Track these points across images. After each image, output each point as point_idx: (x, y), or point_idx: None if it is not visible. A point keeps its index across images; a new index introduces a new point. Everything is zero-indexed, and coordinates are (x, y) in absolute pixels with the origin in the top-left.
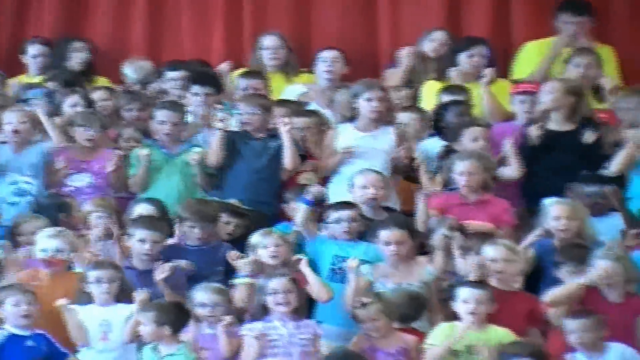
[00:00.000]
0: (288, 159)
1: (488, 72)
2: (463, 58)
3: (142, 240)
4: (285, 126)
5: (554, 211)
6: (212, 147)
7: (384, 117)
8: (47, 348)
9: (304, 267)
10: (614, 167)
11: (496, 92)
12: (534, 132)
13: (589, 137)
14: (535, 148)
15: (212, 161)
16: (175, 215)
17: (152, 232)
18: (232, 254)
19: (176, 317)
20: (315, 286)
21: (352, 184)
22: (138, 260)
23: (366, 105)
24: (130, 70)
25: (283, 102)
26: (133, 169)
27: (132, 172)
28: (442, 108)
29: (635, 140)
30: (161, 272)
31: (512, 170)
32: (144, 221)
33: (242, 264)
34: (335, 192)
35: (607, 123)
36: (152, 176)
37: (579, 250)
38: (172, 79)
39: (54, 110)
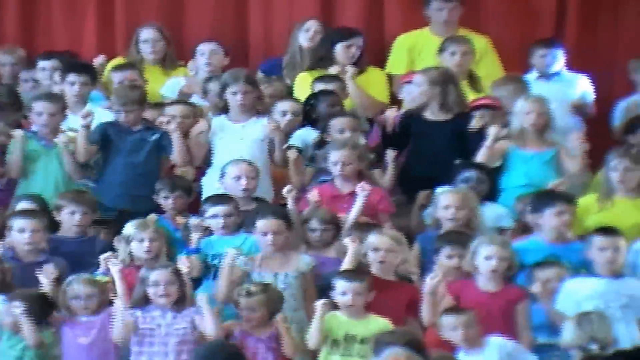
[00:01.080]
0: (177, 154)
1: (349, 67)
2: (339, 49)
3: (21, 230)
4: (170, 124)
5: (444, 200)
6: (78, 144)
7: (252, 108)
8: None
9: (203, 304)
10: (478, 158)
11: (369, 82)
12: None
13: (476, 123)
14: (410, 137)
15: (81, 158)
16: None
17: (30, 220)
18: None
19: (41, 307)
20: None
21: (223, 174)
22: (22, 252)
23: (232, 97)
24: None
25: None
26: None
27: (7, 157)
28: (313, 98)
29: (495, 136)
30: (49, 274)
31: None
32: (22, 212)
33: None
34: (209, 183)
35: (494, 108)
36: (31, 167)
37: (458, 235)
38: (43, 69)
39: None
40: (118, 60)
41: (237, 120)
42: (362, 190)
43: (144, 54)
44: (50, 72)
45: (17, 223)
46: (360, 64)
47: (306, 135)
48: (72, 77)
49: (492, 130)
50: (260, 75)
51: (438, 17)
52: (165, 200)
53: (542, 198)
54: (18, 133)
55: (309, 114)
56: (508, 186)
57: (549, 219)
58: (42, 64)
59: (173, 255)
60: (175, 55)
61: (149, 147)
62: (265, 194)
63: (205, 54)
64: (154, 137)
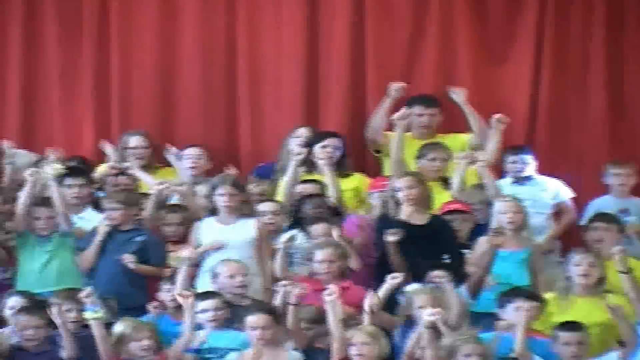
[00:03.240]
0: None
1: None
2: (317, 149)
3: (24, 328)
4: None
5: (418, 300)
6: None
7: (238, 210)
8: None
9: None
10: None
11: (346, 187)
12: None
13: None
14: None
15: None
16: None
17: (34, 318)
18: None
19: None
20: None
21: (217, 275)
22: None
23: (219, 199)
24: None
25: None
26: None
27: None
28: (299, 201)
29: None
30: None
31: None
32: (26, 308)
33: None
34: (203, 284)
35: (463, 212)
36: (28, 264)
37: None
38: None
39: None
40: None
41: (226, 222)
42: (329, 295)
43: (129, 159)
44: None
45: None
46: (342, 167)
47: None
48: (69, 180)
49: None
50: (253, 177)
51: (418, 121)
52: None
53: (506, 294)
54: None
55: (296, 215)
56: None
57: (510, 314)
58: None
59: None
60: (155, 160)
61: (134, 246)
62: (256, 293)
63: (192, 157)
64: (138, 239)
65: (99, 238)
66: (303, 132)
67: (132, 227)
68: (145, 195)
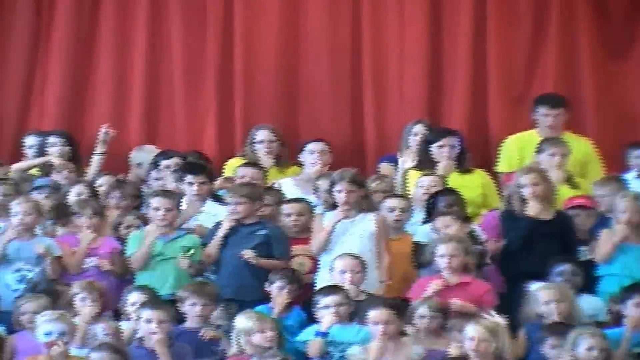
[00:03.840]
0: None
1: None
2: (434, 149)
3: (148, 321)
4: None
5: (543, 296)
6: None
7: (358, 205)
8: None
9: None
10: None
11: (469, 183)
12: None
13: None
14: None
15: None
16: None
17: (157, 312)
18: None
19: None
20: None
21: (332, 269)
22: (148, 340)
23: (338, 195)
24: (139, 156)
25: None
26: (132, 248)
27: (131, 252)
28: (433, 196)
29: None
30: None
31: None
32: (150, 302)
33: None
34: (323, 276)
35: (588, 208)
36: (148, 261)
37: (561, 326)
38: (166, 167)
39: (60, 200)
40: (238, 159)
41: (345, 216)
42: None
43: (258, 153)
44: (172, 171)
45: (145, 314)
46: (463, 164)
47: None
48: (189, 177)
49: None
50: (384, 165)
51: (544, 121)
52: (280, 290)
53: (628, 289)
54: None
55: (429, 211)
56: (605, 273)
57: (630, 309)
58: (164, 162)
59: (283, 344)
60: (288, 155)
61: (257, 240)
62: (373, 287)
63: (314, 152)
64: (262, 232)
65: (222, 232)
66: (419, 129)
67: (255, 220)
68: (269, 189)
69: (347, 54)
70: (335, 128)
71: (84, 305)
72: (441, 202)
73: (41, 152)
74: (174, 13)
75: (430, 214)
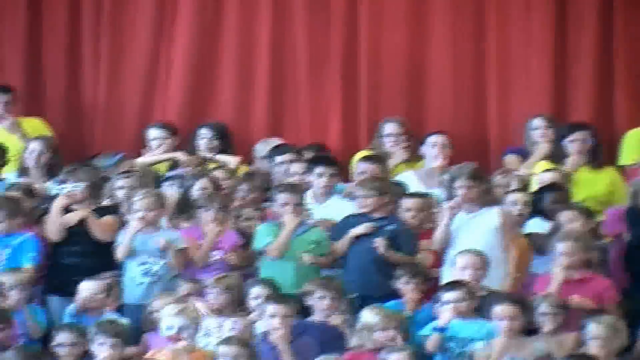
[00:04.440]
0: None
1: None
2: (567, 143)
3: (272, 316)
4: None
5: None
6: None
7: (477, 200)
8: None
9: None
10: None
11: (598, 179)
12: None
13: None
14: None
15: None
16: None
17: (281, 307)
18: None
19: None
20: None
21: (454, 264)
22: (273, 335)
23: (458, 191)
24: (265, 149)
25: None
26: (263, 240)
27: (262, 244)
28: (540, 191)
29: None
30: None
31: None
32: (274, 296)
33: None
34: (447, 271)
35: None
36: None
37: None
38: (282, 162)
39: (185, 193)
40: (364, 152)
41: (467, 212)
42: None
43: (386, 146)
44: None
45: (270, 309)
46: (596, 159)
47: (537, 225)
48: (320, 169)
49: None
50: (509, 157)
51: None
52: (406, 285)
53: None
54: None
55: (537, 206)
56: None
57: None
58: (283, 157)
59: (409, 338)
60: (416, 148)
61: (384, 235)
62: (498, 282)
63: (437, 145)
64: (389, 227)
65: (358, 231)
66: (539, 123)
67: (384, 215)
68: (398, 184)
69: (471, 44)
70: (458, 120)
71: (216, 300)
72: (547, 198)
73: (166, 144)
74: (298, 5)
75: (538, 209)
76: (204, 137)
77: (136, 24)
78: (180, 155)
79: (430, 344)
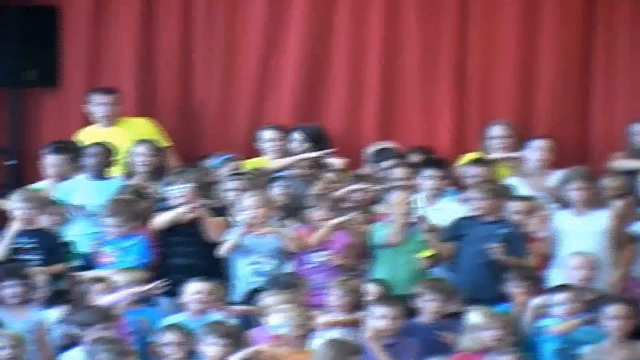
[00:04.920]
0: None
1: None
2: None
3: (381, 317)
4: None
5: None
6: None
7: (590, 203)
8: None
9: None
10: None
11: None
12: None
13: None
14: None
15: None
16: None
17: (390, 309)
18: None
19: None
20: None
21: (564, 266)
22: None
23: (573, 193)
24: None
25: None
26: (380, 234)
27: (380, 237)
28: None
29: None
30: None
31: None
32: (384, 298)
33: None
34: (555, 274)
35: None
36: (383, 254)
37: None
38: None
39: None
40: (472, 155)
41: (578, 214)
42: None
43: (492, 149)
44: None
45: (378, 311)
46: None
47: None
48: (429, 171)
49: None
50: (617, 160)
51: None
52: (516, 288)
53: None
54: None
55: None
56: None
57: None
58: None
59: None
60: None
61: (497, 239)
62: (606, 284)
63: (540, 149)
64: (502, 231)
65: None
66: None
67: (496, 218)
68: (505, 187)
69: (577, 48)
70: (564, 124)
71: (338, 301)
72: None
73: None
74: (409, 9)
75: None
76: (295, 140)
77: (248, 27)
78: (299, 158)
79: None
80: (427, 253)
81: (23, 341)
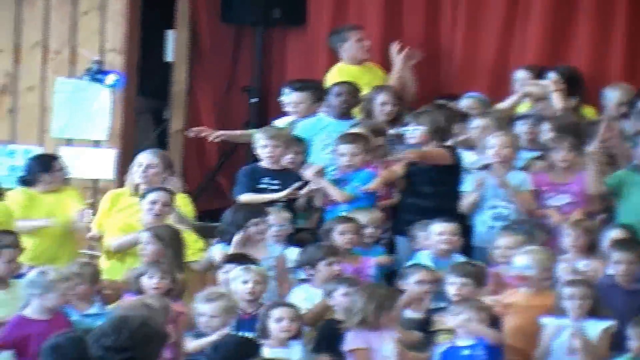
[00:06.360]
0: None
1: None
2: None
3: (618, 262)
4: None
5: None
6: None
7: None
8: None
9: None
10: None
11: None
12: None
13: None
14: None
15: None
16: None
17: (627, 254)
18: None
19: None
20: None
21: None
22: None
23: None
24: (611, 94)
25: None
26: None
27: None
28: None
29: None
30: None
31: None
32: (621, 243)
33: None
34: None
35: None
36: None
37: None
38: None
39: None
40: None
41: None
42: None
43: None
44: None
45: (616, 255)
46: None
47: None
48: None
49: None
50: None
51: None
52: None
53: None
54: None
55: None
56: None
57: None
58: None
59: None
60: None
61: None
62: None
63: None
64: None
65: None
66: None
67: None
68: None
69: None
70: None
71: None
72: None
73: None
74: None
75: None
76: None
77: None
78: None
79: None
80: None
81: (266, 277)
